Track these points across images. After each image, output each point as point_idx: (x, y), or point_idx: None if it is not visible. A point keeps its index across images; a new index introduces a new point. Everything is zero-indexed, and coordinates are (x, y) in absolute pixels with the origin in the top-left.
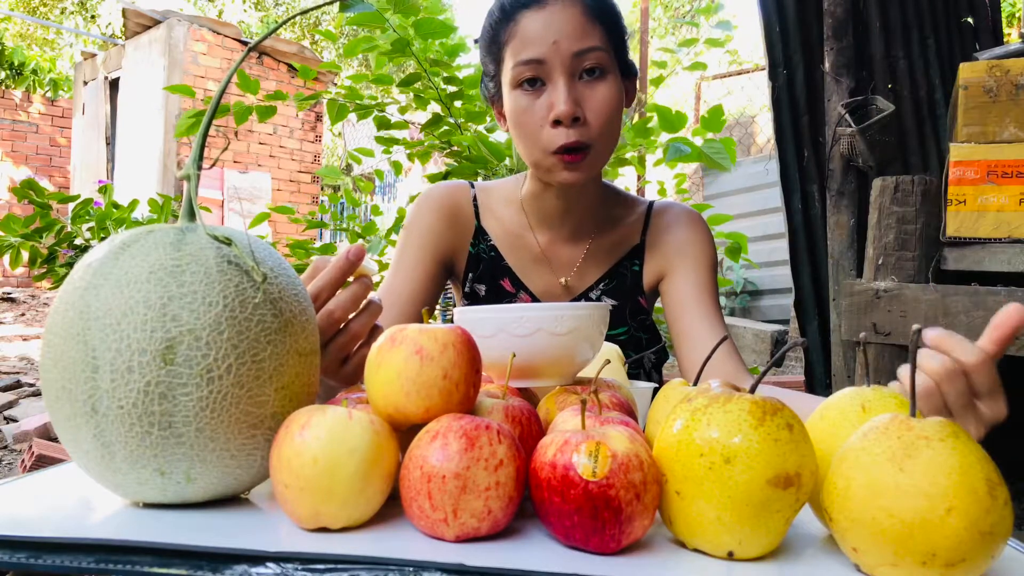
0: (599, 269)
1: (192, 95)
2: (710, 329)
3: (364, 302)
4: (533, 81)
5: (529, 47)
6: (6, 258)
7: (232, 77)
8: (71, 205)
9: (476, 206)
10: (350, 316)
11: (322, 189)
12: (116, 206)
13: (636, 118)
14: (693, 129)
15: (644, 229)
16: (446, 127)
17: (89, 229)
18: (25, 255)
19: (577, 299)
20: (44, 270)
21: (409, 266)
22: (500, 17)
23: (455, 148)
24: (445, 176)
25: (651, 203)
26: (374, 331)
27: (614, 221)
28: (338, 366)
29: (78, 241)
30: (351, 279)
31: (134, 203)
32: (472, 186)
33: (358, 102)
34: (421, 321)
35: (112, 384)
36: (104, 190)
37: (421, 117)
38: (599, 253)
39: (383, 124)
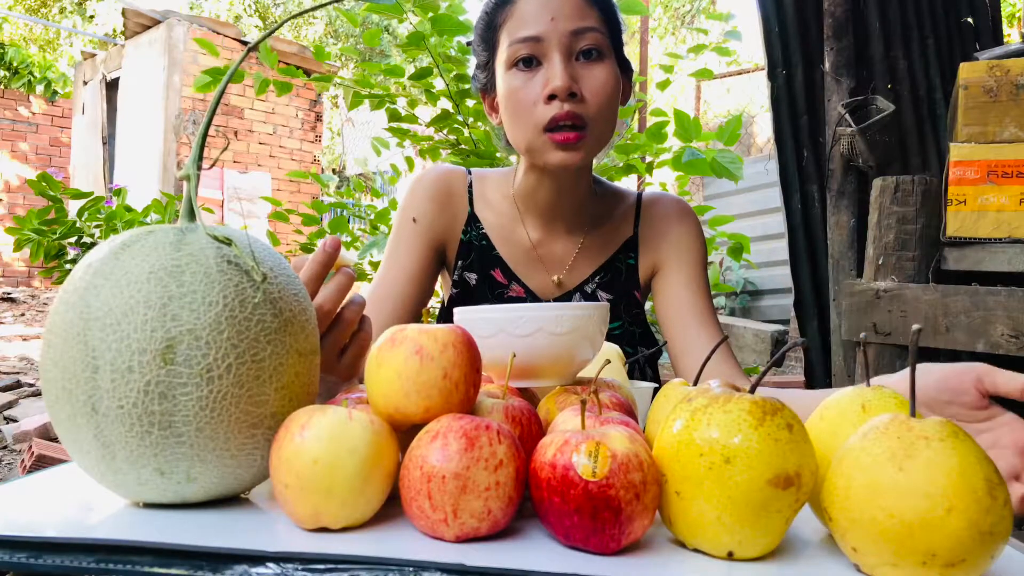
0: (592, 264)
1: (216, 54)
2: (707, 333)
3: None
4: (529, 60)
5: (526, 25)
6: (18, 252)
7: (232, 76)
8: (75, 203)
9: (471, 192)
10: (339, 308)
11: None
12: (128, 209)
13: (637, 119)
14: (701, 134)
15: (636, 221)
16: (455, 124)
17: (98, 227)
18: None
19: (571, 293)
20: (54, 264)
21: (404, 251)
22: (498, 2)
23: (462, 146)
24: None
25: (639, 194)
26: (362, 323)
27: (605, 215)
28: (335, 359)
29: (86, 239)
30: (333, 271)
31: (148, 208)
32: (469, 172)
33: (371, 90)
34: (419, 308)
35: (112, 384)
36: (118, 193)
37: (425, 115)
38: (592, 249)
39: (394, 116)
